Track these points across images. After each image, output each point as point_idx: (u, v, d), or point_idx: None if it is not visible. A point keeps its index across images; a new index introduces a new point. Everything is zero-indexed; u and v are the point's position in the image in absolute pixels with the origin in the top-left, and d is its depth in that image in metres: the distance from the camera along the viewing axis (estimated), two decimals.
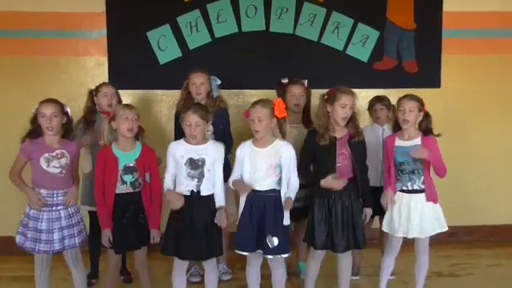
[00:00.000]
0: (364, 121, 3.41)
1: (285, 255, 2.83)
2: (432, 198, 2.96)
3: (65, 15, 3.86)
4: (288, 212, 2.80)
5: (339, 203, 2.89)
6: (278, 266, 2.90)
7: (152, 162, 2.89)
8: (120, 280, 3.28)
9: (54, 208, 2.77)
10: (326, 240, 2.89)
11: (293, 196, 2.79)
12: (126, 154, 2.82)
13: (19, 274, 3.47)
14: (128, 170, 2.81)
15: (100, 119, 3.24)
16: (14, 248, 2.84)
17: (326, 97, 2.93)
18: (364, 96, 3.55)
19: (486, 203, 4.29)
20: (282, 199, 2.79)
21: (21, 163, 2.80)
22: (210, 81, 3.37)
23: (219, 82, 3.45)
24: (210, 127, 3.27)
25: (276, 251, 2.77)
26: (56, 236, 2.75)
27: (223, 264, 3.49)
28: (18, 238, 2.77)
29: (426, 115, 2.97)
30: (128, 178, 2.81)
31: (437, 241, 3.47)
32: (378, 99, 3.45)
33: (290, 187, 2.81)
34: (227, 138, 3.37)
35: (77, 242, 2.82)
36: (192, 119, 2.77)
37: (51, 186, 2.76)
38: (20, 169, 2.81)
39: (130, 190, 2.81)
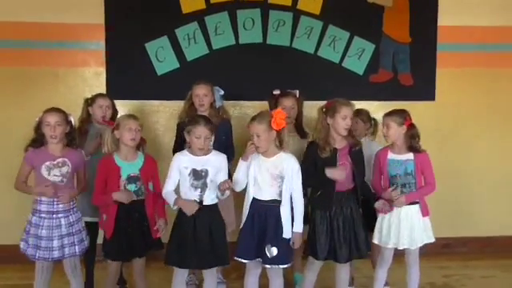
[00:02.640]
0: None
1: (284, 266, 2.86)
2: (425, 211, 3.02)
3: (64, 26, 3.90)
4: (290, 223, 2.82)
5: (340, 214, 2.93)
6: (277, 276, 2.92)
7: (155, 172, 2.95)
8: None
9: (54, 216, 2.79)
10: (329, 251, 2.92)
11: (300, 225, 2.82)
12: (130, 164, 2.86)
13: (15, 283, 3.47)
14: (132, 179, 2.86)
15: (93, 129, 3.28)
16: (10, 257, 2.85)
17: (324, 109, 2.98)
18: (360, 108, 3.59)
19: (480, 215, 4.33)
20: (282, 211, 2.80)
21: (25, 172, 2.83)
22: (213, 92, 3.41)
23: (222, 92, 3.49)
24: (212, 137, 3.33)
25: (275, 261, 2.80)
26: (56, 243, 2.77)
27: (218, 273, 3.50)
28: (22, 245, 2.80)
29: (410, 129, 2.99)
30: (132, 187, 2.86)
31: (431, 252, 3.51)
32: (355, 113, 3.50)
33: (297, 212, 2.82)
34: (229, 148, 3.41)
35: (77, 250, 2.84)
36: (202, 132, 2.81)
37: (52, 194, 2.78)
38: (25, 177, 2.84)
39: (134, 198, 2.85)
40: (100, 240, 3.07)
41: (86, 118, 3.33)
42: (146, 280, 2.99)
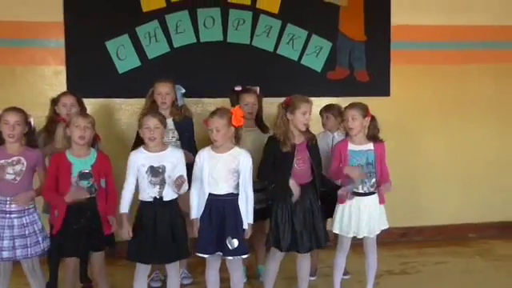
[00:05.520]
0: (319, 128, 3.59)
1: (244, 256, 2.94)
2: (383, 200, 3.15)
3: (21, 24, 3.85)
4: (246, 214, 2.91)
5: (300, 207, 3.02)
6: (237, 268, 2.99)
7: (107, 169, 2.92)
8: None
9: (7, 216, 2.76)
10: (291, 242, 3.01)
11: (252, 216, 2.92)
12: (81, 160, 2.84)
13: None
14: (84, 175, 2.83)
15: (60, 128, 3.26)
16: None
17: (284, 105, 3.06)
18: (318, 104, 3.67)
19: (434, 204, 4.54)
20: (240, 203, 2.89)
21: None
22: (174, 90, 3.45)
23: (183, 90, 3.53)
24: (175, 134, 3.38)
25: (236, 252, 2.87)
26: (6, 244, 2.73)
27: (183, 268, 3.55)
28: None
29: (372, 120, 3.14)
30: (84, 183, 2.83)
31: (389, 241, 3.68)
32: (325, 108, 3.62)
33: (249, 205, 2.91)
34: (193, 145, 3.46)
35: (30, 252, 2.78)
36: (151, 122, 2.86)
37: (4, 192, 2.76)
38: None
39: (87, 194, 2.82)
40: None
41: (53, 117, 3.32)
42: (106, 277, 2.98)
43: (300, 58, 4.26)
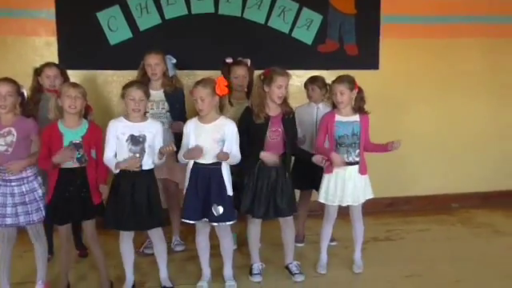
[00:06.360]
0: (304, 99, 3.67)
1: (229, 223, 3.04)
2: (364, 170, 3.25)
3: None
4: (230, 182, 3.00)
5: (266, 174, 3.09)
6: (226, 234, 3.10)
7: (98, 139, 2.96)
8: (75, 254, 3.38)
9: (8, 184, 2.83)
10: (249, 207, 3.09)
11: (231, 160, 2.97)
12: (72, 131, 2.88)
13: None
14: (74, 146, 2.86)
15: (45, 98, 3.28)
16: None
17: (262, 77, 3.09)
18: (308, 76, 3.77)
19: (422, 175, 4.67)
20: (224, 171, 2.96)
21: None
22: (165, 60, 3.47)
23: (174, 60, 3.56)
24: (166, 105, 3.42)
25: (221, 219, 2.97)
26: (9, 211, 2.81)
27: (176, 236, 3.66)
28: None
29: (359, 92, 3.20)
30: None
31: (376, 210, 3.81)
32: (310, 80, 3.68)
33: (233, 156, 2.98)
34: (183, 116, 3.50)
35: (32, 218, 2.87)
36: (136, 94, 2.90)
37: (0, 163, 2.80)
38: None
39: (77, 165, 2.88)
40: None
41: (37, 87, 3.34)
42: (99, 244, 3.06)
43: (291, 30, 4.29)
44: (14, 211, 2.82)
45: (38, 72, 3.35)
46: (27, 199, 2.86)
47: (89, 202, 2.90)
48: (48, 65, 3.39)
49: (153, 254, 3.45)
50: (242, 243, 3.66)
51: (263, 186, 3.09)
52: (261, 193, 3.09)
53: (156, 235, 3.06)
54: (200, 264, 3.16)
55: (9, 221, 2.82)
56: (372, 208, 3.53)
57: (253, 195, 3.09)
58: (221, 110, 3.03)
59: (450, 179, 4.73)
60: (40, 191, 2.92)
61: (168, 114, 3.46)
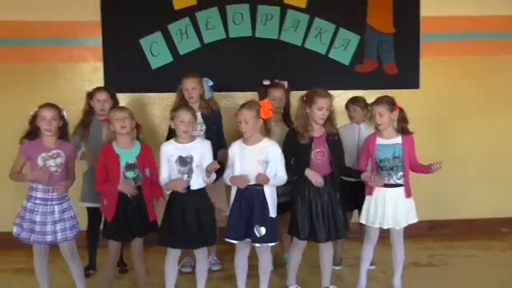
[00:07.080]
0: (345, 120, 3.65)
1: (272, 244, 3.05)
2: (408, 193, 3.17)
3: (62, 24, 4.09)
4: (274, 204, 3.03)
5: (319, 198, 3.10)
6: (265, 253, 3.11)
7: (150, 159, 3.11)
8: (116, 270, 3.47)
9: (48, 203, 2.96)
10: (309, 231, 3.10)
11: (273, 182, 3.01)
12: (127, 152, 3.04)
13: (21, 267, 3.65)
14: (130, 166, 3.03)
15: (96, 121, 3.48)
16: (17, 242, 3.03)
17: (304, 98, 3.14)
18: (346, 97, 3.76)
19: (464, 198, 4.50)
20: (267, 193, 3.00)
21: (20, 163, 3.00)
22: (201, 84, 3.57)
23: (211, 83, 3.65)
24: (203, 127, 3.50)
25: (263, 240, 3.00)
26: (49, 228, 2.94)
27: (213, 255, 3.70)
28: (15, 229, 2.96)
29: (401, 112, 3.15)
30: (130, 174, 3.03)
31: (417, 234, 3.68)
32: (351, 100, 3.66)
33: (277, 177, 3.02)
34: (220, 138, 3.58)
35: (69, 235, 3.00)
36: (186, 116, 3.01)
37: (48, 183, 2.95)
38: (20, 168, 3.00)
39: (135, 191, 3.00)
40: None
41: (89, 110, 3.52)
42: (145, 261, 3.16)
43: (328, 51, 4.30)
44: (53, 229, 2.95)
45: (90, 95, 3.53)
46: (66, 216, 3.00)
47: (146, 218, 3.04)
48: (99, 89, 3.56)
49: (190, 273, 3.52)
50: (278, 264, 3.65)
51: (317, 208, 3.09)
52: (317, 216, 3.09)
53: (202, 254, 3.12)
54: (236, 283, 3.17)
55: (49, 238, 2.95)
56: (412, 231, 3.42)
57: (310, 219, 3.09)
58: (267, 133, 3.07)
59: (498, 201, 4.52)
60: (74, 210, 3.07)
61: (206, 135, 3.53)
